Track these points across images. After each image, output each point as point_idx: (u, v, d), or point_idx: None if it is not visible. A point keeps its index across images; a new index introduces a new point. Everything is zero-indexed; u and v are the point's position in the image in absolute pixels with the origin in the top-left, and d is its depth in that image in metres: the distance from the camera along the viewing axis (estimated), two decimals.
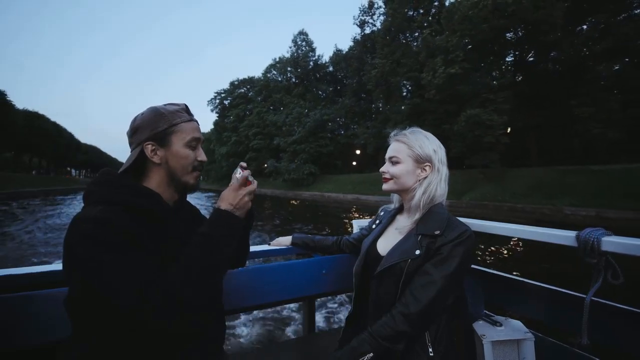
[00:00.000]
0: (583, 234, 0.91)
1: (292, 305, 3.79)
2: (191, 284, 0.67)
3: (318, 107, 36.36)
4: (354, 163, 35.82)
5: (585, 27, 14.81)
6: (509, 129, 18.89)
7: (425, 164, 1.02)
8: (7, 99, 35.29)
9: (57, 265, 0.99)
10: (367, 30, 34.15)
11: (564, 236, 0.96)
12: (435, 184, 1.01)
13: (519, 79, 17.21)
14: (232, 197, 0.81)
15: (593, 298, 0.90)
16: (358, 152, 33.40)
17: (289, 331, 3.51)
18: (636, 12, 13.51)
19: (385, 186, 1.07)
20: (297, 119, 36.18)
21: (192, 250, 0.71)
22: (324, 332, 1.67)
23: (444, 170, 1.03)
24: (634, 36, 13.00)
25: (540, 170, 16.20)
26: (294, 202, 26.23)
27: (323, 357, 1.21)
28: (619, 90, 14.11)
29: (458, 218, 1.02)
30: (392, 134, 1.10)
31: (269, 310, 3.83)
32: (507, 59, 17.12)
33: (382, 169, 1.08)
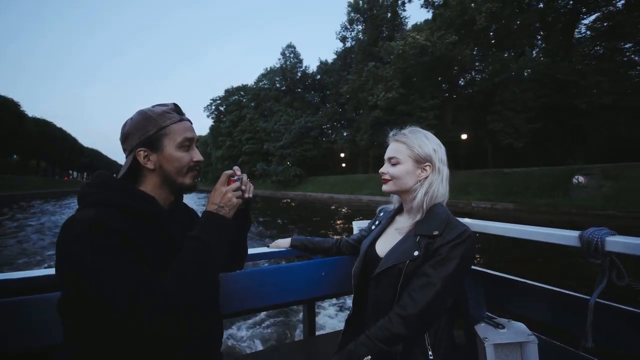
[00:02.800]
0: (586, 233, 0.89)
1: (292, 307, 3.67)
2: (184, 287, 0.67)
3: (304, 114, 40.13)
4: (343, 165, 39.63)
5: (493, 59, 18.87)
6: (464, 136, 22.84)
7: (426, 164, 1.00)
8: (21, 109, 39.07)
9: (51, 270, 0.98)
10: (348, 44, 38.07)
11: (567, 236, 0.95)
12: (437, 184, 0.99)
13: (454, 97, 21.21)
14: (214, 197, 0.81)
15: (597, 300, 0.88)
16: (342, 155, 37.21)
17: (290, 334, 3.47)
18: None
19: (385, 187, 1.05)
20: (284, 125, 40.00)
21: (183, 254, 0.72)
22: (325, 334, 1.61)
23: (445, 170, 1.02)
24: (522, 69, 17.01)
25: (468, 172, 20.06)
26: (285, 201, 29.88)
27: None
28: (522, 109, 17.99)
29: (458, 218, 0.99)
30: (390, 133, 1.08)
31: (269, 313, 3.76)
32: (436, 85, 21.12)
33: (381, 170, 1.05)
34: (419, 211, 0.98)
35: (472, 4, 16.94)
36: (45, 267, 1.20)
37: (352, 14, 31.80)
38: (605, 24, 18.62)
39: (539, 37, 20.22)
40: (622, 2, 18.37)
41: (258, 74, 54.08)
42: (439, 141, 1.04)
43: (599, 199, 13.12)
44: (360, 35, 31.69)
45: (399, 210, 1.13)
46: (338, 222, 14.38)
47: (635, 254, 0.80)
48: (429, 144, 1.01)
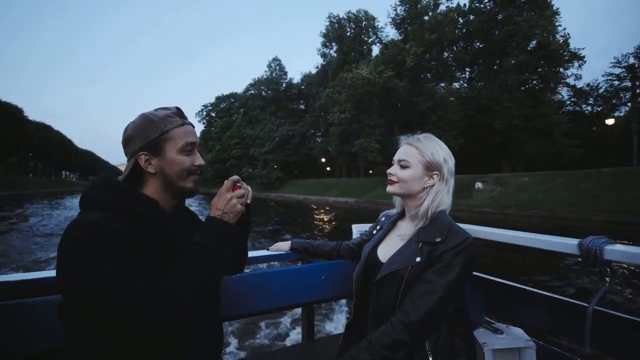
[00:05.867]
0: (585, 242, 0.91)
1: (291, 311, 3.71)
2: (186, 292, 0.68)
3: (287, 122, 44.32)
4: (328, 168, 43.88)
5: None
6: None
7: (434, 172, 1.00)
8: (24, 114, 42.41)
9: (53, 272, 0.95)
10: (328, 59, 42.39)
11: (566, 244, 0.97)
12: (443, 194, 1.00)
13: (400, 115, 25.93)
14: (219, 202, 0.83)
15: (596, 307, 0.89)
16: (323, 160, 41.46)
17: (289, 338, 3.50)
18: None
19: (390, 188, 1.05)
20: (268, 133, 44.16)
21: (185, 259, 0.72)
22: (324, 338, 1.65)
23: (451, 181, 1.02)
24: (443, 99, 21.69)
25: None
26: (270, 202, 33.96)
27: None
28: (449, 128, 22.56)
29: (460, 225, 1.01)
30: (403, 137, 1.09)
31: (268, 315, 3.78)
32: (381, 107, 25.88)
33: (389, 171, 1.05)
34: (423, 218, 0.98)
35: (405, 47, 21.59)
36: (47, 269, 1.32)
37: (326, 39, 36.32)
38: (517, 59, 23.39)
39: (467, 70, 25.05)
40: (533, 44, 23.17)
41: (249, 78, 58.10)
42: (449, 151, 1.04)
43: (487, 200, 17.58)
44: (335, 55, 36.16)
45: (401, 216, 1.13)
46: (302, 215, 18.47)
47: (634, 263, 0.82)
48: (441, 152, 1.01)
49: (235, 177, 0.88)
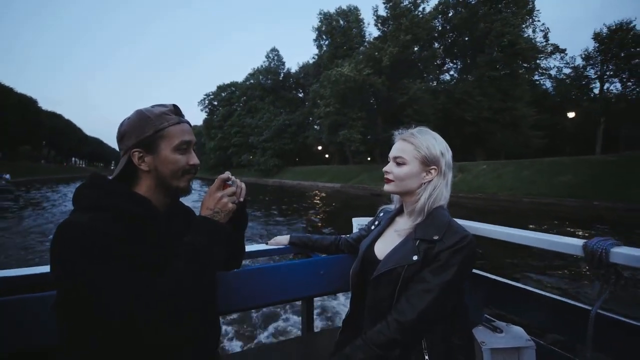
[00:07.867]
0: (591, 243, 0.89)
1: (291, 304, 3.78)
2: (181, 293, 0.68)
3: (285, 111, 46.67)
4: (327, 155, 46.36)
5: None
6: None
7: (432, 167, 0.98)
8: (38, 105, 45.22)
9: (47, 267, 0.96)
10: (323, 49, 44.24)
11: (571, 245, 0.95)
12: (441, 188, 0.98)
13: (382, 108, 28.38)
14: (209, 202, 0.82)
15: (599, 311, 0.88)
16: (320, 147, 43.93)
17: (288, 331, 3.55)
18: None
19: (387, 187, 1.03)
20: (266, 122, 46.61)
21: (178, 261, 0.72)
22: (323, 331, 1.68)
23: (449, 175, 1.00)
24: (417, 94, 24.07)
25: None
26: (269, 187, 36.87)
27: (322, 357, 1.18)
28: (424, 120, 24.92)
29: (459, 222, 1.00)
30: (397, 132, 1.07)
31: (267, 309, 3.83)
32: (362, 101, 28.30)
33: (385, 169, 1.03)
34: (420, 214, 0.97)
35: (383, 46, 23.81)
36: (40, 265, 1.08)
37: (318, 33, 38.24)
38: (488, 56, 25.37)
39: (456, 62, 27.08)
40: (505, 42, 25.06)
41: (249, 69, 59.95)
42: (446, 144, 1.02)
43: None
44: (327, 48, 38.16)
45: (399, 212, 1.12)
46: (289, 200, 21.21)
47: None
48: (437, 146, 0.99)
49: (225, 175, 0.86)
